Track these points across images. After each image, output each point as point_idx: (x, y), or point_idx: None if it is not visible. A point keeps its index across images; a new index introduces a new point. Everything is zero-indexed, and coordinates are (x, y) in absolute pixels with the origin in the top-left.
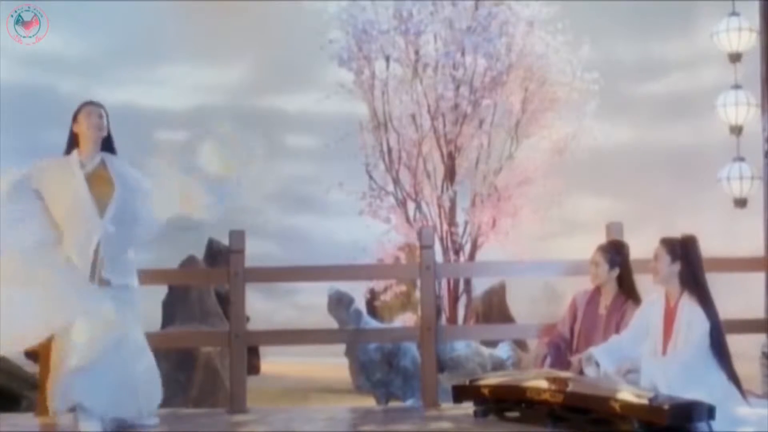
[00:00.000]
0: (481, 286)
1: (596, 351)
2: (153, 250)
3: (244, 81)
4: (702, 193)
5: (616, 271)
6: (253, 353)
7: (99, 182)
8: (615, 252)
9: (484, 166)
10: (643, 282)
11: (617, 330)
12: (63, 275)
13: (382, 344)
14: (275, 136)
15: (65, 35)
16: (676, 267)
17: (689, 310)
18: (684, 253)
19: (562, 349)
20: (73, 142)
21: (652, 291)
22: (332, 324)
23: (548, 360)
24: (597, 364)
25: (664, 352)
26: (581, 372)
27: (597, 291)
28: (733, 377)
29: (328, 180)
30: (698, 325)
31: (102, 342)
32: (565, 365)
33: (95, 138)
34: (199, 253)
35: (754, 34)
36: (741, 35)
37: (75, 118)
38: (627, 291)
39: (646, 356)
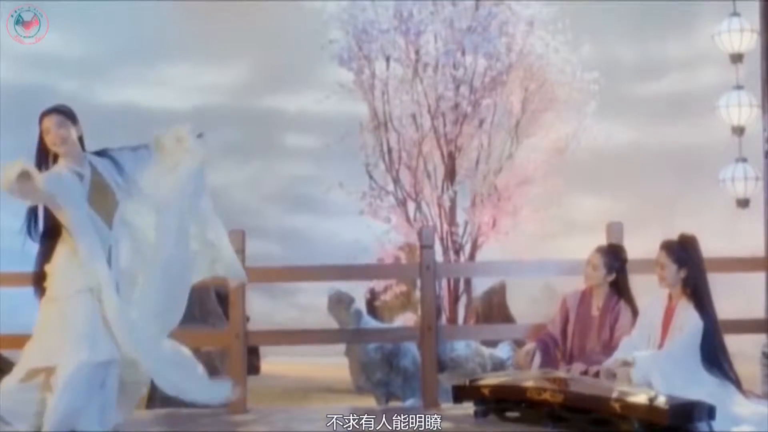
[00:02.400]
0: (481, 286)
1: (613, 358)
2: None
3: (244, 81)
4: (702, 194)
5: (612, 277)
6: (253, 353)
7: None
8: (614, 257)
9: (484, 166)
10: (641, 282)
11: (612, 331)
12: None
13: (382, 344)
14: (275, 136)
15: (66, 35)
16: (683, 273)
17: (685, 310)
18: (688, 258)
19: (550, 348)
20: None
21: (649, 292)
22: (332, 324)
23: (537, 357)
24: (614, 376)
25: (661, 348)
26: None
27: (588, 292)
28: (731, 378)
29: (328, 180)
30: (691, 325)
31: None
32: (554, 363)
33: (66, 152)
34: None
35: (755, 34)
36: (743, 36)
37: (39, 132)
38: (620, 293)
39: (641, 350)
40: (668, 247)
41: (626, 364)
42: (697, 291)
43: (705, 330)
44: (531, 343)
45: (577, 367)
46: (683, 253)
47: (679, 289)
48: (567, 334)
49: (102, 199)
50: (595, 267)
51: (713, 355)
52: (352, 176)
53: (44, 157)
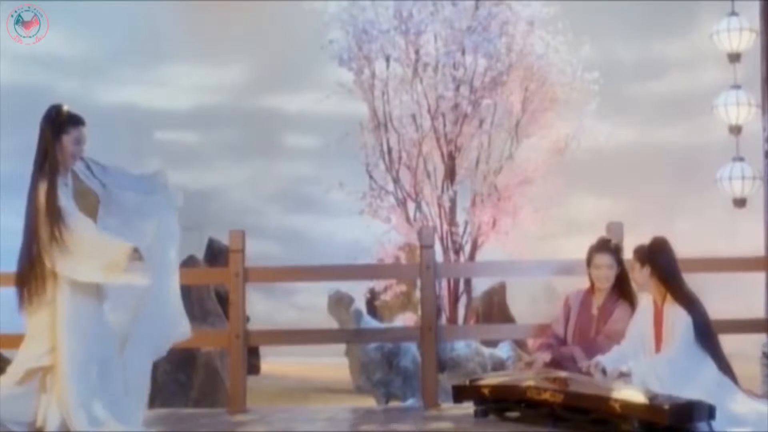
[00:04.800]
0: (481, 286)
1: (603, 359)
2: None
3: (244, 81)
4: (702, 193)
5: (618, 270)
6: (253, 353)
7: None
8: (616, 252)
9: (485, 166)
10: None
11: (605, 323)
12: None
13: (382, 344)
14: (275, 136)
15: (65, 35)
16: (647, 270)
17: (673, 310)
18: (650, 256)
19: (555, 349)
20: (45, 159)
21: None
22: (332, 324)
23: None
24: (604, 372)
25: (657, 353)
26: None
27: (590, 291)
28: (725, 367)
29: (328, 180)
30: (680, 322)
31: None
32: (560, 364)
33: (71, 164)
34: (199, 253)
35: (754, 34)
36: (741, 35)
37: (58, 137)
38: (621, 290)
39: (638, 357)
40: (634, 249)
41: (623, 375)
42: (671, 286)
43: (695, 323)
44: (537, 353)
45: (568, 350)
46: (647, 252)
47: (657, 290)
48: (567, 333)
49: (86, 202)
50: (610, 266)
51: (709, 344)
52: (352, 176)
53: (44, 163)
